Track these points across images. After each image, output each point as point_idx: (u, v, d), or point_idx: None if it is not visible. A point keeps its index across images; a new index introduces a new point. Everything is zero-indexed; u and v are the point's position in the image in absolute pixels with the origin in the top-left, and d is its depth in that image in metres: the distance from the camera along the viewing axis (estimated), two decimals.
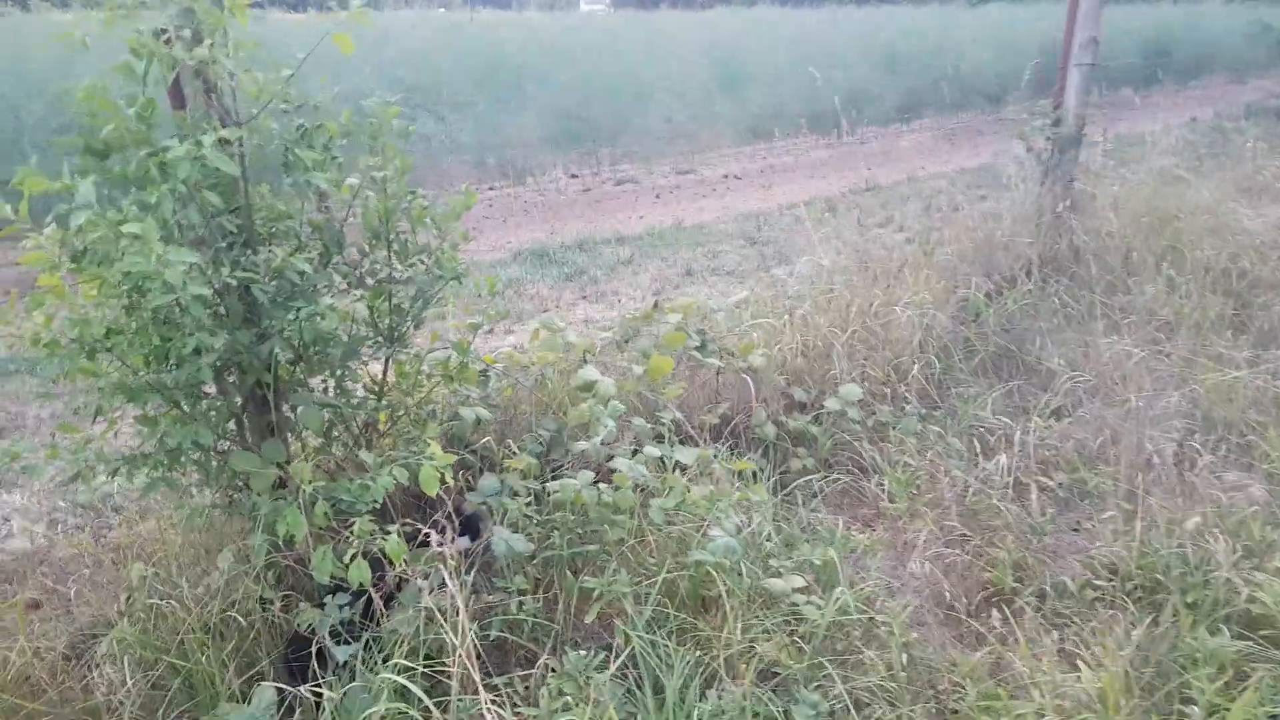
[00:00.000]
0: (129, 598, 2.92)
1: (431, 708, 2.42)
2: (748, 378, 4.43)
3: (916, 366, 5.14)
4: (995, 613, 3.17)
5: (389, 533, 2.74)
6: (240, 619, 2.69)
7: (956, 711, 2.84)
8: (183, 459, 2.78)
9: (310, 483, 2.70)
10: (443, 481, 2.74)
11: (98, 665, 2.64)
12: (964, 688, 2.85)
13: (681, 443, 3.62)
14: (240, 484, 3.07)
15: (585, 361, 4.18)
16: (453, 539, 2.65)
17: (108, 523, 3.72)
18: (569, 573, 3.14)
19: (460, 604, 2.53)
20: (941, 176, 12.85)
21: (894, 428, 4.61)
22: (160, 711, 2.59)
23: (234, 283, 2.52)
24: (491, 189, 12.80)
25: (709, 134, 14.97)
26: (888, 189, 12.13)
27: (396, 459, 2.91)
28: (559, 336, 4.07)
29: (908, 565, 3.68)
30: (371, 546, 2.70)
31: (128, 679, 2.51)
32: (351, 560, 2.61)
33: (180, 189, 2.40)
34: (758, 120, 15.29)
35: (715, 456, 3.37)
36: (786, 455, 4.46)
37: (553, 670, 2.76)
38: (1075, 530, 4.15)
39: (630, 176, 13.77)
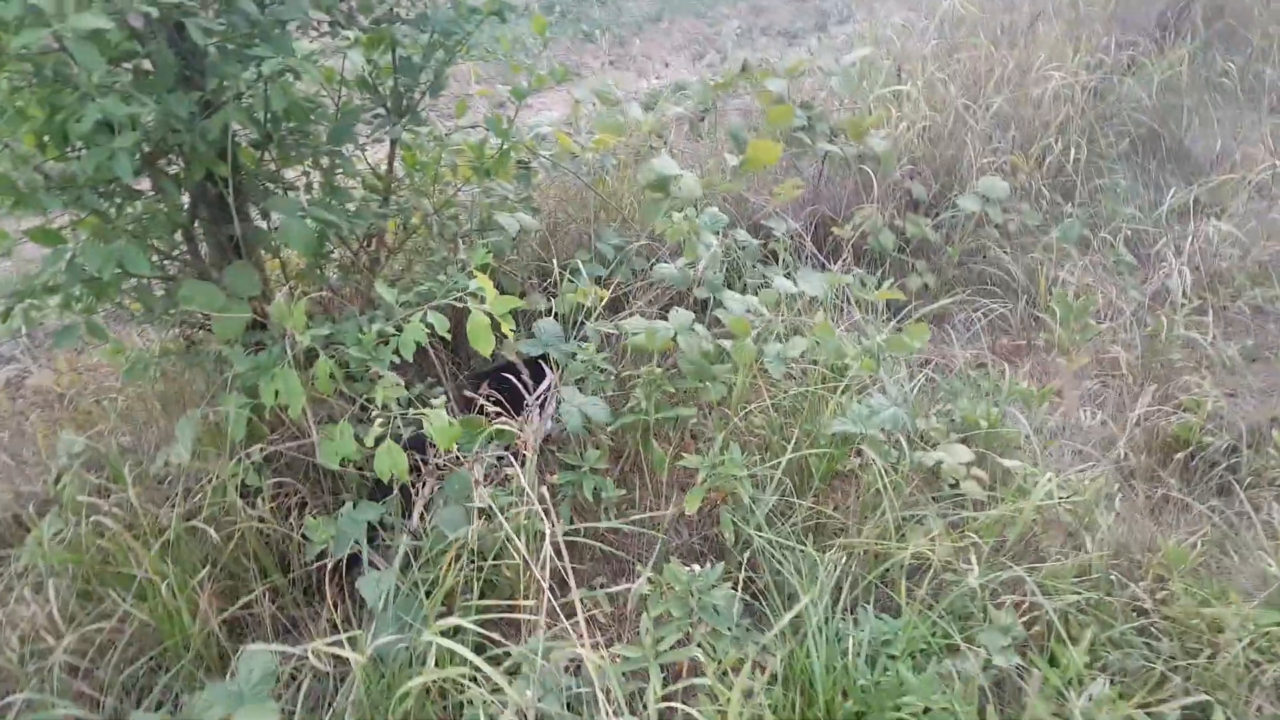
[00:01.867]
0: (57, 481, 2.26)
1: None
2: (862, 168, 3.59)
3: (1057, 149, 4.29)
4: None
5: (425, 401, 2.06)
6: (209, 528, 2.04)
7: (1170, 618, 2.28)
8: (108, 290, 2.03)
9: (306, 330, 1.97)
10: (499, 332, 2.01)
11: (10, 589, 2.02)
12: (1168, 581, 2.29)
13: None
14: (199, 322, 2.34)
15: (654, 147, 3.33)
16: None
17: (24, 366, 3.01)
18: (654, 443, 2.50)
19: (544, 510, 1.89)
20: None
21: (1043, 232, 3.83)
22: (107, 665, 1.98)
23: (156, 14, 1.64)
24: None
25: None
26: None
27: (422, 291, 2.15)
28: (618, 110, 3.18)
29: (1072, 416, 3.07)
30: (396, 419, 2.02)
31: (55, 613, 1.90)
32: (377, 443, 1.94)
33: None
34: None
35: (862, 283, 2.62)
36: (902, 269, 3.72)
37: (650, 581, 2.17)
38: (1254, 361, 3.54)
39: None
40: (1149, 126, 4.84)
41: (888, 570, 2.22)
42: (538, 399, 2.56)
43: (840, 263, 3.28)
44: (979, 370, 3.06)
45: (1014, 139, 4.28)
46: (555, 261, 2.88)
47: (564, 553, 1.94)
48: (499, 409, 2.12)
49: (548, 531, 1.93)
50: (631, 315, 2.69)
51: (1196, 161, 4.85)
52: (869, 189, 3.73)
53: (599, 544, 2.25)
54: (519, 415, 2.20)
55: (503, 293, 2.10)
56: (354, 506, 1.99)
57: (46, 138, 1.84)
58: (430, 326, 2.03)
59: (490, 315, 2.02)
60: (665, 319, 2.43)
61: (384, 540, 2.12)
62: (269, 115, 1.98)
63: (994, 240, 3.73)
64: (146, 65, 1.91)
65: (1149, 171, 4.72)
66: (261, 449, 2.14)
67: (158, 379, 2.35)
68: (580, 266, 2.80)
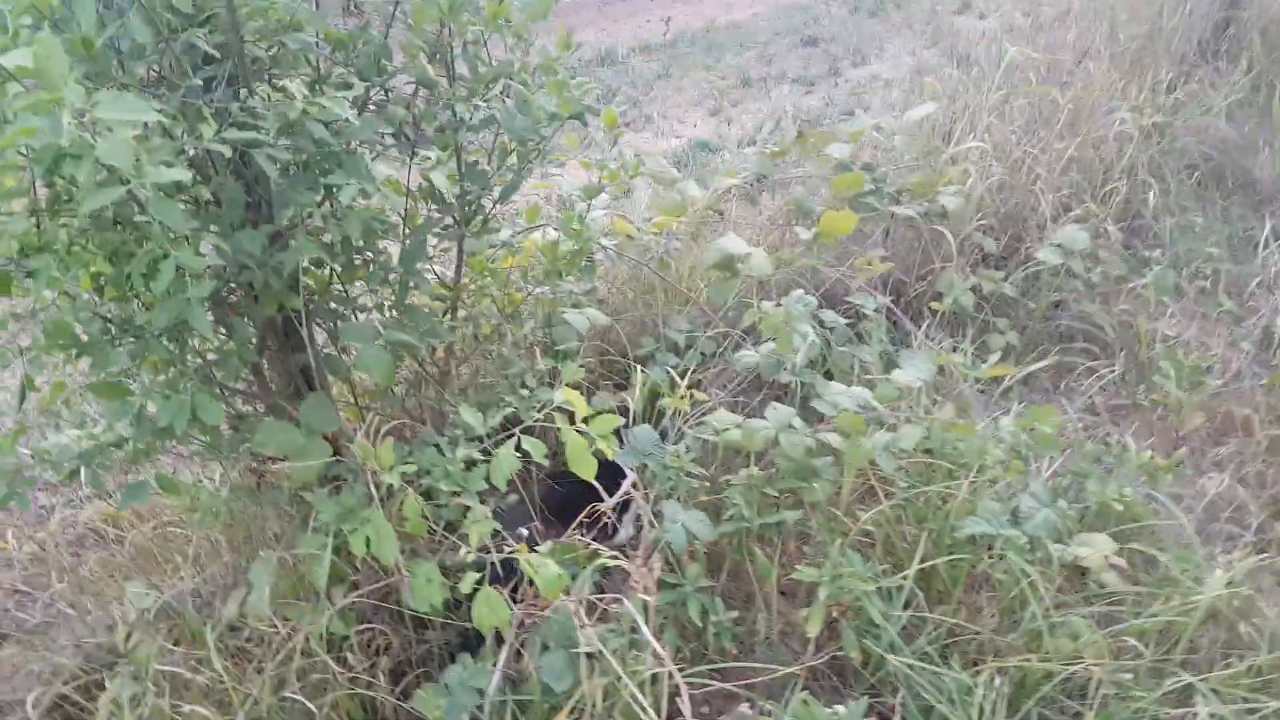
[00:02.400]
0: (127, 639, 2.12)
1: None
2: (932, 228, 3.46)
3: (1123, 190, 4.15)
4: None
5: (517, 535, 1.91)
6: (304, 700, 1.88)
7: None
8: (176, 438, 1.91)
9: (392, 467, 1.84)
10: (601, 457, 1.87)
11: None
12: None
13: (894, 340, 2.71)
14: (267, 456, 2.21)
15: (711, 217, 3.22)
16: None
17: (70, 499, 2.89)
18: (759, 552, 2.33)
19: (660, 650, 1.73)
20: None
21: (1125, 280, 3.67)
22: None
23: (224, 149, 1.54)
24: None
25: None
26: None
27: (507, 412, 2.02)
28: (676, 189, 3.08)
29: (1197, 483, 2.88)
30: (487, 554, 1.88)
31: None
32: (474, 593, 1.79)
33: None
34: None
35: (973, 361, 2.46)
36: (981, 329, 3.57)
37: (766, 715, 1.99)
38: None
39: None
40: (1214, 159, 4.70)
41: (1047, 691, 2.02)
42: (618, 504, 2.41)
43: (922, 330, 3.13)
44: (1092, 439, 2.88)
45: (1077, 183, 4.15)
46: (626, 356, 2.75)
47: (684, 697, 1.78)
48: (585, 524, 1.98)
49: (667, 678, 1.77)
50: (713, 408, 2.55)
51: (1265, 190, 4.70)
52: (938, 246, 3.60)
53: (715, 682, 2.07)
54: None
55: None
56: (458, 663, 1.82)
57: (104, 280, 1.74)
58: (525, 453, 1.89)
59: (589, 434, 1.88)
60: (746, 409, 2.28)
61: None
62: (337, 242, 1.87)
63: (1078, 293, 3.57)
64: (205, 194, 1.82)
65: (1215, 204, 4.57)
66: (345, 596, 2.00)
67: (227, 520, 2.21)
68: (654, 356, 2.67)
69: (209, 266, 1.54)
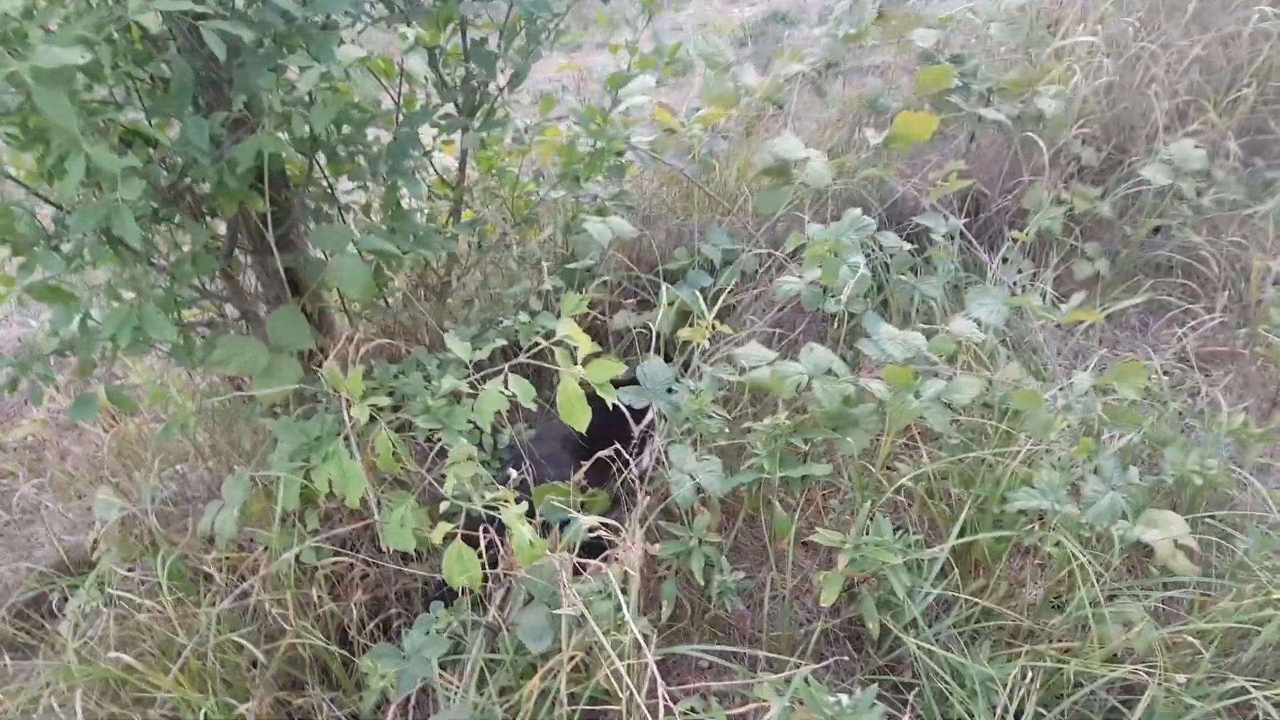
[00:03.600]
0: (93, 549, 2.04)
1: None
2: (1024, 134, 3.07)
3: (1250, 99, 3.64)
4: None
5: (504, 477, 1.74)
6: (253, 646, 1.77)
7: None
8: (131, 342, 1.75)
9: (364, 399, 1.66)
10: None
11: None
12: None
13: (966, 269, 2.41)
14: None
15: (767, 111, 2.89)
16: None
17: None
18: (777, 505, 2.13)
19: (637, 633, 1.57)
20: None
21: (1242, 206, 3.25)
22: None
23: (157, 25, 1.31)
24: None
25: None
26: None
27: (503, 330, 1.82)
28: (729, 74, 2.75)
29: None
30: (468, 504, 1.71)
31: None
32: (446, 542, 1.64)
33: None
34: None
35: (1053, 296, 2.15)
36: (1067, 254, 3.21)
37: (777, 691, 1.84)
38: None
39: None
40: None
41: (1091, 692, 1.83)
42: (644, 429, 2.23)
43: (999, 256, 2.81)
44: (1178, 393, 2.58)
45: (1198, 87, 3.65)
46: (656, 269, 2.50)
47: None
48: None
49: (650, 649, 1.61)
50: (747, 339, 2.32)
51: None
52: (1028, 156, 3.22)
53: (709, 652, 1.92)
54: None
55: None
56: (421, 622, 1.69)
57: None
58: (511, 395, 1.70)
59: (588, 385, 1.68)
60: (784, 342, 2.03)
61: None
62: (313, 135, 1.64)
63: (1184, 219, 3.17)
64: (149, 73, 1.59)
65: None
66: (319, 522, 1.87)
67: (199, 429, 2.09)
68: (685, 274, 2.42)
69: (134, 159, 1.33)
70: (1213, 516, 2.20)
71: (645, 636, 1.60)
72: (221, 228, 1.88)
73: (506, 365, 1.73)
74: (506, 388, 1.71)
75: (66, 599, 2.15)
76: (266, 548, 1.93)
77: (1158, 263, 3.27)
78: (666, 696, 1.58)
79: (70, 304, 1.62)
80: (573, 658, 1.66)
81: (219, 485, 2.28)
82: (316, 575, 1.95)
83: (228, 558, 1.96)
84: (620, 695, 1.61)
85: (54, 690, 1.80)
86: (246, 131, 1.64)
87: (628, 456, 2.12)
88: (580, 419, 1.66)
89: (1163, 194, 3.19)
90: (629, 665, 1.61)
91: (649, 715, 1.60)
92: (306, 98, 1.64)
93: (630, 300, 2.43)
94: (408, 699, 1.79)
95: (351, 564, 1.98)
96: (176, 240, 1.91)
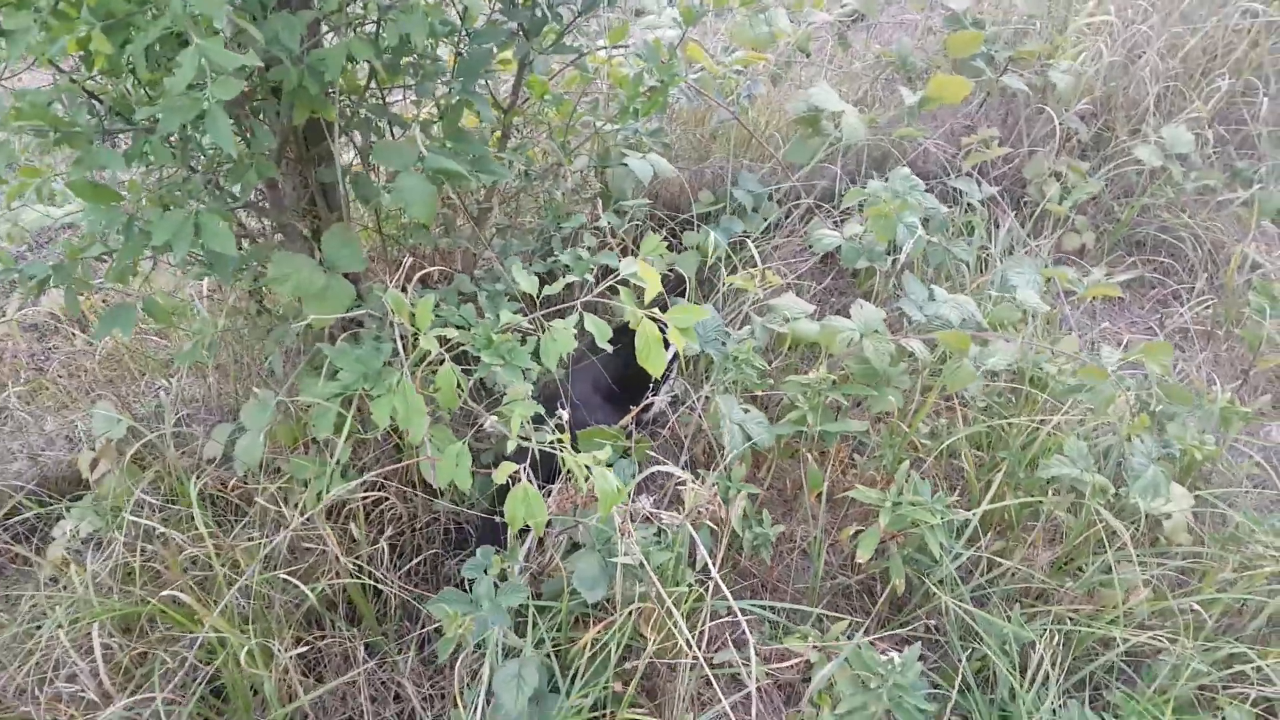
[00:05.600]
0: (93, 467, 1.90)
1: None
2: (1031, 104, 3.10)
3: (1224, 88, 3.76)
4: None
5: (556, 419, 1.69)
6: (300, 584, 1.68)
7: None
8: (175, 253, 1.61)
9: (427, 330, 1.57)
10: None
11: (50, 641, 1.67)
12: None
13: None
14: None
15: (796, 59, 2.84)
16: None
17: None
18: (810, 458, 2.14)
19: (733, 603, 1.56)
20: None
21: (1215, 194, 3.38)
22: None
23: None
24: None
25: None
26: None
27: (562, 264, 1.75)
28: (761, 18, 2.67)
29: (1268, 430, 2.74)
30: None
31: (105, 679, 1.56)
32: (505, 488, 1.58)
33: None
34: None
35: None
36: (1055, 223, 3.28)
37: (816, 647, 1.87)
38: None
39: None
40: None
41: (1100, 653, 1.91)
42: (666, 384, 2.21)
43: (1026, 225, 2.85)
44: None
45: (1178, 75, 3.75)
46: (680, 210, 2.45)
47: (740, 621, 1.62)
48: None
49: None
50: (781, 290, 2.30)
51: None
52: (1031, 125, 3.26)
53: (752, 602, 1.93)
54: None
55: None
56: (477, 562, 1.63)
57: (95, 49, 1.39)
58: (585, 332, 1.64)
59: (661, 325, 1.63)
60: (809, 293, 2.02)
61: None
62: (402, 43, 1.51)
63: (1168, 201, 3.28)
64: None
65: None
66: (353, 464, 1.78)
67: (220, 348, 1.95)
68: (717, 218, 2.38)
69: (253, 57, 1.20)
70: (1198, 489, 2.31)
71: (720, 589, 1.59)
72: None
73: (578, 302, 1.66)
74: (579, 326, 1.64)
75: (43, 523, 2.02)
76: (293, 477, 1.84)
77: (1138, 240, 3.39)
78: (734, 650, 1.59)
79: (115, 204, 1.47)
80: (637, 611, 1.64)
81: (220, 406, 2.15)
82: (345, 510, 1.87)
83: (250, 487, 1.85)
84: (685, 649, 1.60)
85: (59, 624, 1.68)
86: (317, 37, 1.51)
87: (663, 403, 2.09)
88: (657, 364, 1.62)
89: (1147, 174, 3.29)
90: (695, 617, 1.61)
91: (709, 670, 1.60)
92: (392, 3, 1.52)
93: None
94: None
95: (384, 499, 1.90)
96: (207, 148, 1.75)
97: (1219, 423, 2.48)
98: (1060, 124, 3.14)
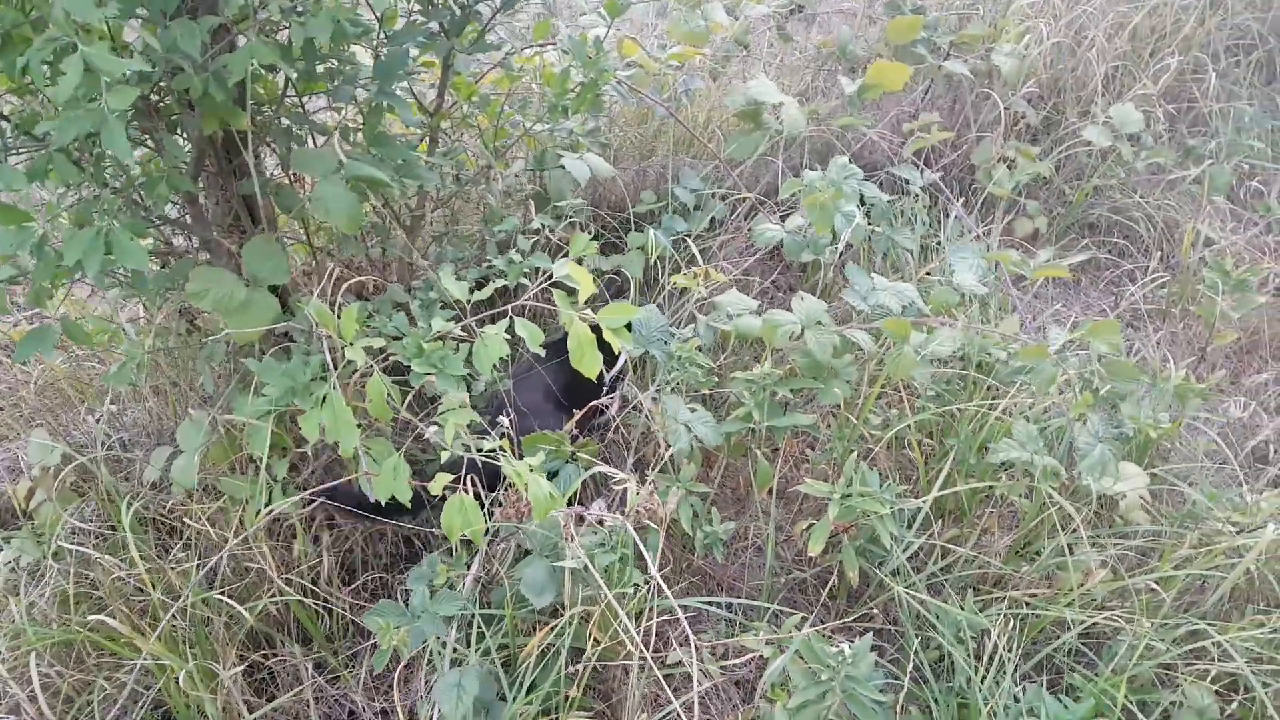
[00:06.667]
0: (29, 497, 1.87)
1: None
2: (976, 89, 3.12)
3: (1174, 66, 3.80)
4: None
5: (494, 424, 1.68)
6: (236, 605, 1.66)
7: None
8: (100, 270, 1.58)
9: (353, 341, 1.56)
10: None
11: None
12: None
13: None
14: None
15: (734, 53, 2.84)
16: None
17: None
18: (760, 454, 2.13)
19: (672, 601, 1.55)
20: None
21: (1166, 173, 3.41)
22: None
23: None
24: None
25: None
26: None
27: (493, 270, 1.74)
28: (697, 12, 2.67)
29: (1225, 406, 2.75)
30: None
31: (45, 708, 1.53)
32: (440, 499, 1.56)
33: None
34: None
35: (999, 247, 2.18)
36: (1007, 209, 3.29)
37: (768, 642, 1.85)
38: None
39: None
40: (1273, 44, 4.34)
41: (1058, 636, 1.91)
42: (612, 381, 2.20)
43: (971, 211, 2.85)
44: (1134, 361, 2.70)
45: (1126, 53, 3.78)
46: (622, 210, 2.44)
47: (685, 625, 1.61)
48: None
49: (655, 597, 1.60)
50: (724, 287, 2.29)
51: None
52: (977, 110, 3.28)
53: (702, 600, 1.92)
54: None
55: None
56: (419, 574, 1.61)
57: None
58: (514, 338, 1.62)
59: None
60: (756, 290, 2.01)
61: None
62: (307, 48, 1.50)
63: (1120, 181, 3.30)
64: None
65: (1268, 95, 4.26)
66: (288, 479, 1.76)
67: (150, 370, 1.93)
68: (659, 216, 2.37)
69: (133, 70, 1.18)
70: (1154, 469, 2.32)
71: (661, 588, 1.57)
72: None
73: (510, 307, 1.65)
74: (510, 331, 1.63)
75: None
76: (228, 496, 1.81)
77: (1091, 222, 3.41)
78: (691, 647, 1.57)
79: (25, 225, 1.44)
80: (584, 615, 1.63)
81: (160, 429, 2.12)
82: (283, 527, 1.85)
83: (186, 509, 1.82)
84: (632, 650, 1.59)
85: None
86: (225, 43, 1.49)
87: (605, 406, 2.08)
88: (591, 366, 1.60)
89: (1097, 155, 3.31)
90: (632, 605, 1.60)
91: (656, 669, 1.59)
92: (295, 7, 1.50)
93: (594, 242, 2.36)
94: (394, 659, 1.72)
95: (324, 515, 1.88)
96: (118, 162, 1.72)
97: (1176, 400, 2.49)
98: (1006, 108, 3.16)
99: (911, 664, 1.80)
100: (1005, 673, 1.79)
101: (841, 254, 2.44)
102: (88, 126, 1.20)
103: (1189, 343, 3.01)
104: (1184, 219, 3.27)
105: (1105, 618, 1.87)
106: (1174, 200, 3.32)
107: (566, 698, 1.67)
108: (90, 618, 1.56)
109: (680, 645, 1.79)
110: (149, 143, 1.61)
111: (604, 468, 1.67)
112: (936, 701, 1.83)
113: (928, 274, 2.46)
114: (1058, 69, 3.61)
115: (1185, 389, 2.46)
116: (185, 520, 1.82)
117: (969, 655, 1.83)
